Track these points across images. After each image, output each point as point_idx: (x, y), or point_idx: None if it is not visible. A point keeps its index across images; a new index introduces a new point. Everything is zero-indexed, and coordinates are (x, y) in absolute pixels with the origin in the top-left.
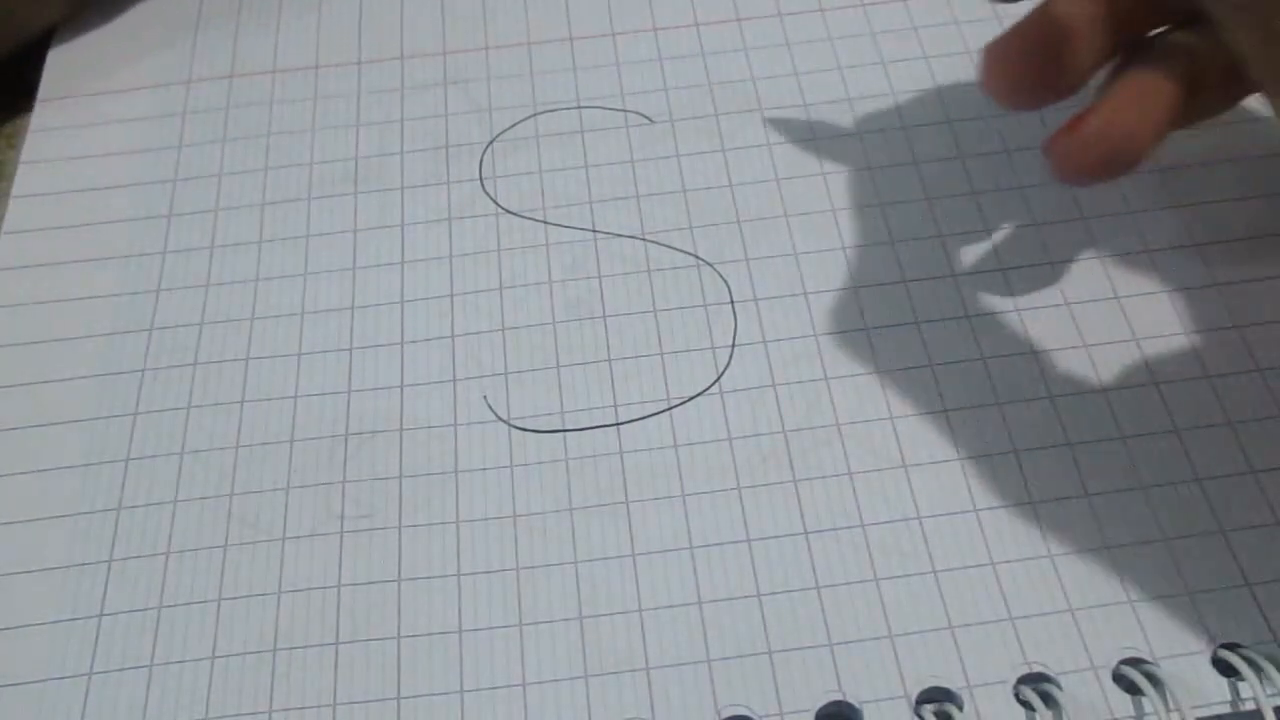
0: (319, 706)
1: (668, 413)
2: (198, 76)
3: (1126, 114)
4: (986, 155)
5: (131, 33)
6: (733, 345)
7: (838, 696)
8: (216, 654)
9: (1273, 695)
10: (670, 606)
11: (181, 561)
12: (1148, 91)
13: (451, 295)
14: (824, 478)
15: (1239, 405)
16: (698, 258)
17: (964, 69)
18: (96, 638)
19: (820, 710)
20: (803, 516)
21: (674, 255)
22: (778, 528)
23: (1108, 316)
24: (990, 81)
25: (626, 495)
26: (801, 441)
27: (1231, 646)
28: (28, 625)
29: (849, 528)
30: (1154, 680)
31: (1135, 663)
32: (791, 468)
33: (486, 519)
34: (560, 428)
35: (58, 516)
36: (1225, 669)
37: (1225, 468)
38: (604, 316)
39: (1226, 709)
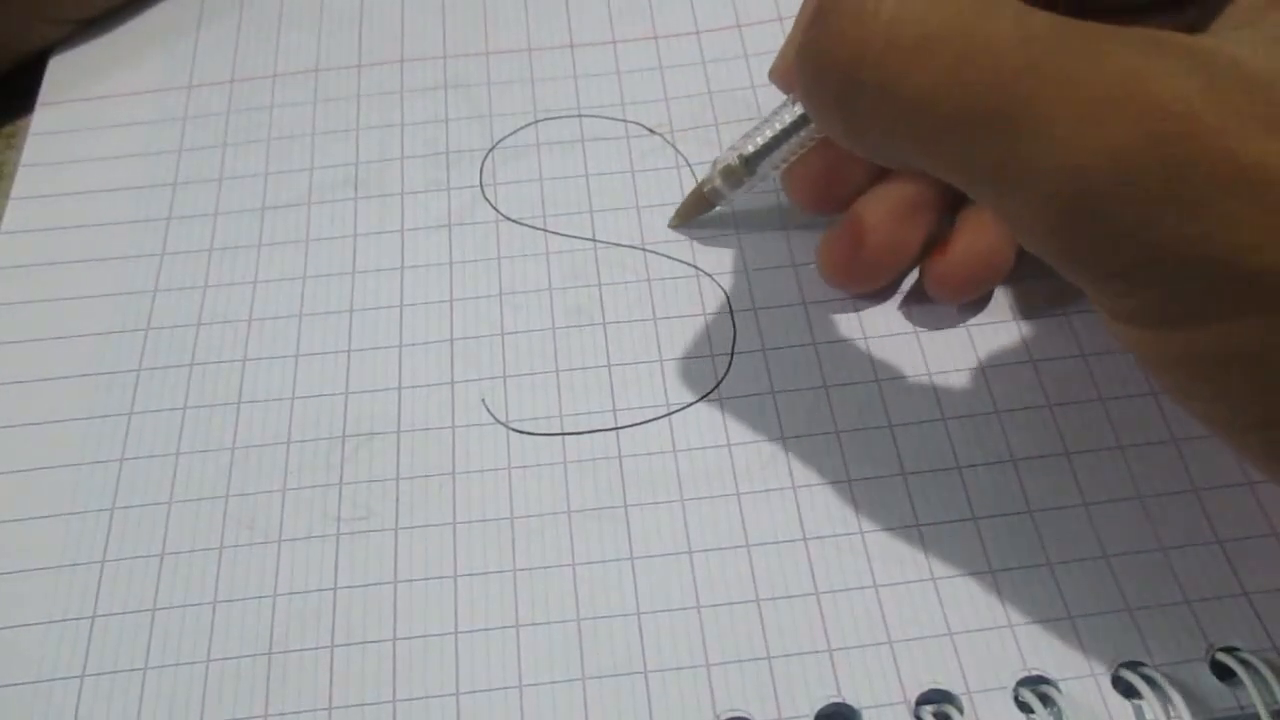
0: (315, 710)
1: (667, 418)
2: (198, 81)
3: (988, 233)
4: None
5: (132, 37)
6: (732, 353)
7: (837, 699)
8: (212, 657)
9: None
10: (669, 610)
11: (177, 563)
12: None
13: (451, 300)
14: (822, 484)
15: None
16: (697, 268)
17: None
18: (90, 639)
19: (819, 712)
20: (801, 522)
21: (674, 265)
22: (776, 533)
23: (1104, 326)
24: (821, 271)
25: (625, 499)
26: (800, 447)
27: (1229, 650)
28: (20, 626)
29: (848, 534)
30: (1152, 684)
31: (1133, 666)
32: (790, 474)
33: (484, 520)
34: (559, 431)
35: (52, 516)
36: (1223, 673)
37: (1221, 478)
38: (604, 323)
39: (1225, 713)
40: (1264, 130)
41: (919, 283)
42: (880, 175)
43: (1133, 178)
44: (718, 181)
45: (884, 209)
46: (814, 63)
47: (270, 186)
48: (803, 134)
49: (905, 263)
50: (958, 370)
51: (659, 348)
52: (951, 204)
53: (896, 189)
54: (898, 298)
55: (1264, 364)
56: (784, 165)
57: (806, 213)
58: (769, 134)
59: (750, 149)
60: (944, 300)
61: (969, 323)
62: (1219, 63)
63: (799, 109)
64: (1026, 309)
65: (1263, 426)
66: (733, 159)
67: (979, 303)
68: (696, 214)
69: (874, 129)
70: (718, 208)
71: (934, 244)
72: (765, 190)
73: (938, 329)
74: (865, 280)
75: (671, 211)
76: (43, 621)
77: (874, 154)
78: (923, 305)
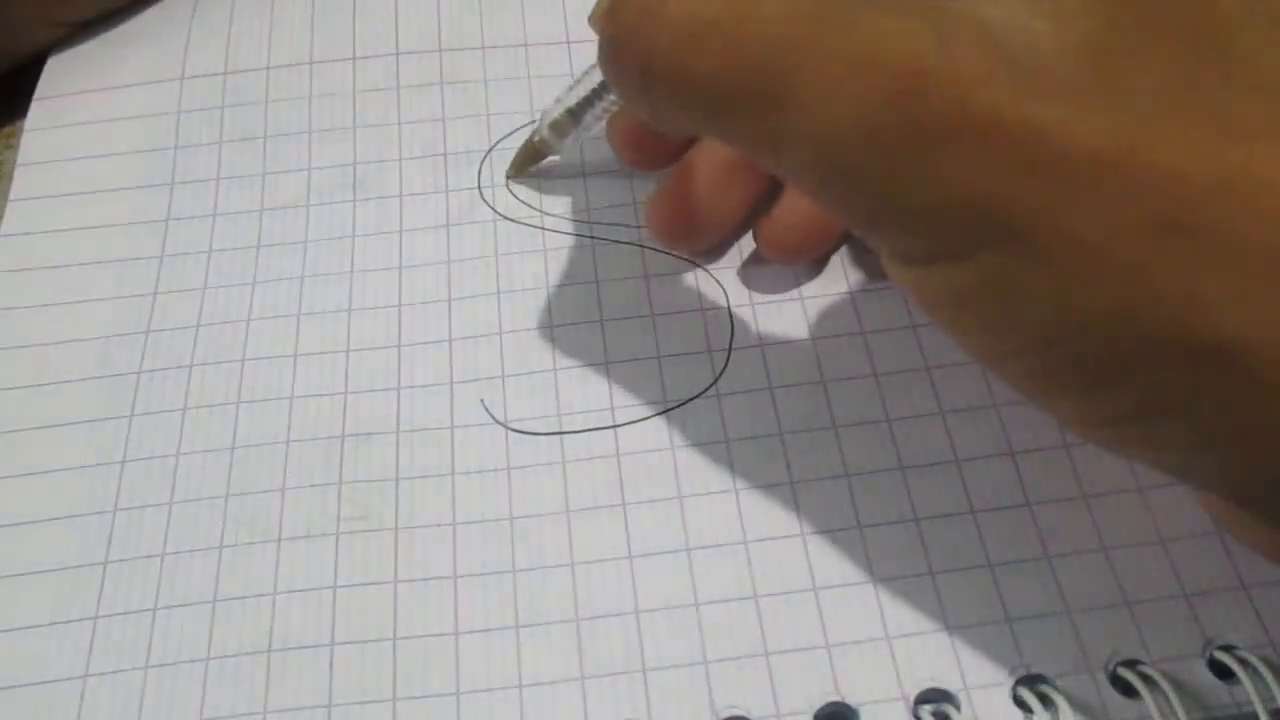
0: (314, 708)
1: (664, 415)
2: (191, 73)
3: (805, 199)
4: None
5: (130, 37)
6: (729, 349)
7: (835, 698)
8: (211, 655)
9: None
10: (667, 608)
11: (177, 563)
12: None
13: (449, 300)
14: (820, 479)
15: None
16: (694, 263)
17: None
18: (91, 639)
19: (818, 711)
20: (800, 519)
21: (671, 261)
22: (775, 530)
23: None
24: (650, 229)
25: (624, 497)
26: (799, 443)
27: (1227, 649)
28: (22, 627)
29: (846, 530)
30: (1150, 682)
31: (1132, 664)
32: (789, 469)
33: (483, 521)
34: (557, 430)
35: (53, 518)
36: (1221, 671)
37: None
38: (601, 321)
39: (1223, 711)
40: (990, 78)
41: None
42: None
43: (875, 135)
44: (545, 133)
45: (708, 166)
46: (610, 52)
47: (268, 188)
48: None
49: (732, 222)
50: (956, 364)
51: (656, 344)
52: None
53: (721, 147)
54: (893, 297)
55: (1003, 293)
56: (606, 116)
57: (631, 167)
58: (591, 85)
59: (574, 100)
60: (776, 261)
61: None
62: (958, 21)
63: None
64: None
65: (1015, 354)
66: (558, 111)
67: (816, 266)
68: (529, 164)
69: (671, 111)
70: (550, 158)
71: (763, 204)
72: (594, 138)
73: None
74: (694, 239)
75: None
76: (45, 623)
77: (678, 131)
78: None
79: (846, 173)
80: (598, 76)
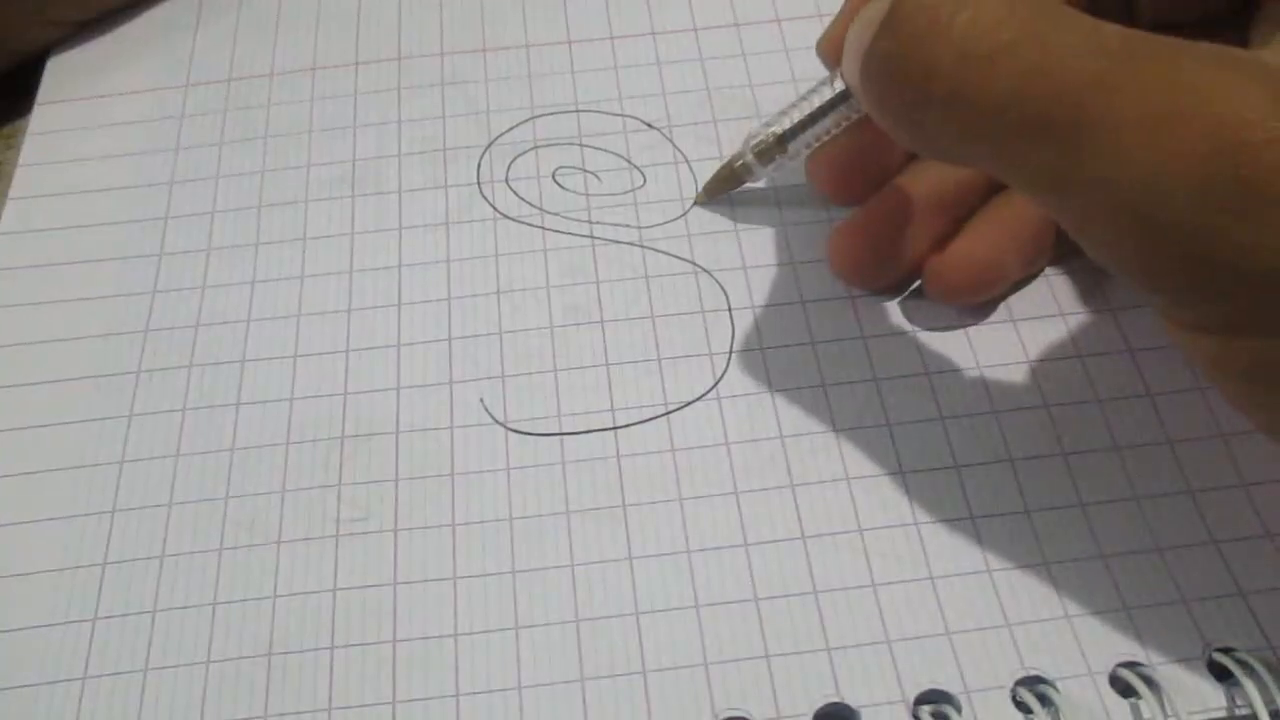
0: (314, 711)
1: (665, 417)
2: (196, 80)
3: (991, 238)
4: None
5: (131, 37)
6: (730, 351)
7: (835, 699)
8: (211, 658)
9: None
10: (667, 610)
11: (176, 565)
12: (1008, 220)
13: (449, 299)
14: (821, 483)
15: (1231, 417)
16: (695, 265)
17: None
18: (90, 642)
19: (818, 712)
20: (800, 521)
21: (672, 262)
22: (775, 532)
23: (1102, 327)
24: (836, 261)
25: (624, 499)
26: (799, 446)
27: (1226, 651)
28: (21, 629)
29: (846, 533)
30: (1150, 683)
31: (1131, 666)
32: (789, 472)
33: (483, 522)
34: (557, 431)
35: (52, 519)
36: (1220, 673)
37: (1216, 480)
38: (601, 322)
39: (1222, 713)
40: None
41: (916, 284)
42: (907, 165)
43: (1203, 190)
44: (749, 158)
45: (901, 203)
46: (883, 72)
47: (267, 184)
48: (838, 113)
49: (917, 260)
50: (955, 370)
51: (657, 346)
52: (971, 207)
53: (927, 181)
54: (897, 296)
55: None
56: (817, 145)
57: (830, 197)
58: (806, 111)
59: (786, 125)
60: (942, 300)
61: (967, 323)
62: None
63: (838, 87)
64: (1024, 310)
65: None
66: (767, 135)
67: (981, 309)
68: (724, 190)
69: (943, 136)
70: (746, 184)
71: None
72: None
73: (935, 329)
74: (877, 275)
75: (669, 209)
76: (44, 624)
77: (941, 156)
78: (921, 305)
79: (1154, 228)
80: (816, 102)
